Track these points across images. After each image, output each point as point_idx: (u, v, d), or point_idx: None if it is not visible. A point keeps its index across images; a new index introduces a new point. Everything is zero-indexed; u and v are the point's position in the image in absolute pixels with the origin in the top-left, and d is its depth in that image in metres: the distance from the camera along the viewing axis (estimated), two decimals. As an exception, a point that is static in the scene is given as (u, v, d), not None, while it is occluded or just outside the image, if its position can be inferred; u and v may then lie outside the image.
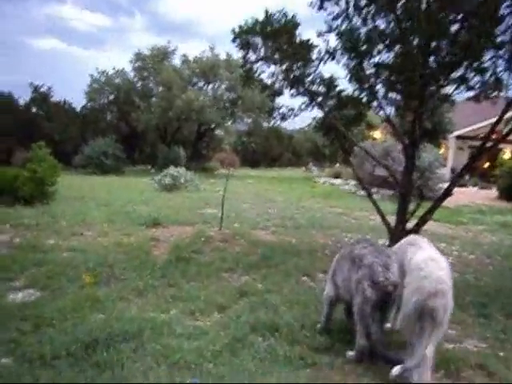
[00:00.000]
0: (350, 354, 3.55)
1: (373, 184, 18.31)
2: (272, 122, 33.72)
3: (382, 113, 7.90)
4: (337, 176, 24.53)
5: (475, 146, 27.63)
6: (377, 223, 10.93)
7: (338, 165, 27.85)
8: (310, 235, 8.94)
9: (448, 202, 16.23)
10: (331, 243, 8.34)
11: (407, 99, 7.23)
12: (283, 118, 8.04)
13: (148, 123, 28.42)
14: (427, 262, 3.39)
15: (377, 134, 30.14)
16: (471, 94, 7.51)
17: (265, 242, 7.76)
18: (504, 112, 6.96)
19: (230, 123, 32.31)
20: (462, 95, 7.79)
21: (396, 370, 3.07)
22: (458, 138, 26.54)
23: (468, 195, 17.82)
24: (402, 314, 3.33)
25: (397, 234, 7.55)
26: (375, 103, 7.61)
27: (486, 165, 26.78)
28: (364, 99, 7.43)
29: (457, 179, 7.74)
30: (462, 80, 7.21)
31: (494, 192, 18.65)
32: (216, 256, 6.62)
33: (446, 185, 15.89)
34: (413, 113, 7.38)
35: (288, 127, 42.89)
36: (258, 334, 3.86)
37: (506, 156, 27.48)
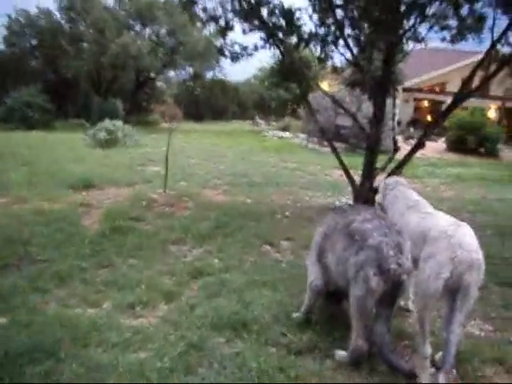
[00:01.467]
0: (341, 354, 2.74)
1: (325, 137, 17.68)
2: (217, 70, 31.90)
3: (348, 55, 6.95)
4: (285, 129, 23.64)
5: (421, 98, 27.88)
6: (335, 179, 10.28)
7: (286, 118, 26.88)
8: (267, 194, 8.04)
9: (399, 156, 16.13)
10: (290, 203, 7.51)
11: (379, 34, 6.26)
12: (235, 58, 6.83)
13: (79, 70, 25.52)
14: (455, 228, 2.63)
15: (324, 86, 29.46)
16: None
17: (217, 204, 6.76)
18: (478, 66, 6.26)
19: (171, 73, 30.04)
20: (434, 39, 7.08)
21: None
22: (404, 90, 26.42)
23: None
24: (422, 293, 2.56)
25: (363, 191, 6.85)
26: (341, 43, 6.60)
27: (429, 118, 27.13)
28: (330, 37, 6.39)
29: (431, 130, 7.05)
30: (439, 17, 6.38)
31: (440, 144, 18.68)
32: (161, 224, 5.55)
33: (397, 138, 15.58)
34: (386, 54, 6.49)
35: (232, 79, 41.00)
36: (219, 335, 2.94)
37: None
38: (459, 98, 6.26)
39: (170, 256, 4.57)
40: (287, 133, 22.58)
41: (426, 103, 27.69)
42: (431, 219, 2.93)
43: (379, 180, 6.85)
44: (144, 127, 22.76)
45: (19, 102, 21.28)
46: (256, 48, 6.60)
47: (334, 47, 6.52)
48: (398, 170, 6.69)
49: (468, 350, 2.88)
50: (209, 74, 36.60)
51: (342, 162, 7.32)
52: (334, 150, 7.47)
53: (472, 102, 24.83)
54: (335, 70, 8.20)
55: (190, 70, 29.95)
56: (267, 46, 6.40)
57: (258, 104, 42.41)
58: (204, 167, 10.55)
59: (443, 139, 21.66)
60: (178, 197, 6.82)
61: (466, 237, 2.58)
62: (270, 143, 18.62)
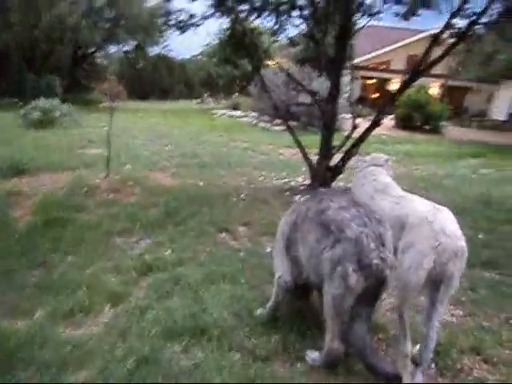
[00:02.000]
0: (313, 356, 2.47)
1: (276, 115, 17.37)
2: (163, 47, 30.44)
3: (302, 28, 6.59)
4: (235, 108, 23.08)
5: (367, 76, 28.20)
6: (289, 158, 10.03)
7: (235, 95, 26.22)
8: (219, 175, 7.63)
9: (344, 132, 16.18)
10: (244, 184, 7.15)
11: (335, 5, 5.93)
12: (181, 28, 6.25)
13: (8, 44, 23.34)
14: (435, 213, 2.38)
15: (272, 63, 28.99)
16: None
17: (166, 188, 6.27)
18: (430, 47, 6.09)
19: (112, 48, 28.32)
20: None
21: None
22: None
23: (366, 125, 17.87)
24: (402, 287, 2.31)
25: (320, 171, 6.63)
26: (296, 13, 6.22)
27: (376, 95, 27.63)
28: (284, 7, 5.97)
29: (384, 109, 6.89)
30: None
31: (389, 121, 18.96)
32: (104, 213, 5.00)
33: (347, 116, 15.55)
34: (340, 28, 6.20)
35: (179, 56, 39.52)
36: (175, 344, 2.56)
37: (394, 86, 28.46)
38: (414, 75, 6.10)
39: (115, 250, 4.08)
40: (237, 111, 22.05)
41: (372, 81, 28.10)
42: (407, 204, 2.66)
43: (336, 159, 6.70)
44: (84, 106, 21.34)
45: None
46: (205, 17, 6.06)
47: (288, 18, 6.12)
48: (354, 149, 6.52)
49: (445, 340, 2.70)
50: (153, 51, 35.01)
51: (297, 141, 7.05)
52: (289, 128, 7.16)
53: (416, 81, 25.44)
54: (291, 42, 7.80)
55: (133, 44, 28.28)
56: (217, 14, 5.88)
57: (205, 82, 41.28)
58: (150, 148, 9.91)
59: (391, 116, 22.12)
60: (122, 181, 6.25)
61: (448, 222, 2.34)
62: (220, 122, 18.08)
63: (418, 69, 5.99)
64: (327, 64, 6.79)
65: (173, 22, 6.27)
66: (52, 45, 24.08)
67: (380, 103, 25.13)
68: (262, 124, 17.55)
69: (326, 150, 6.65)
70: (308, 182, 7.11)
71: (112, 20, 24.66)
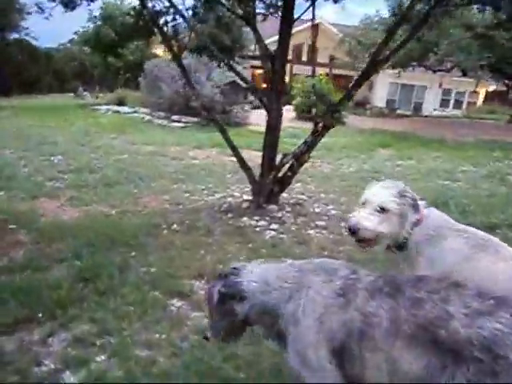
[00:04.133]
0: None
1: (172, 110, 15.61)
2: (23, 33, 26.04)
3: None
4: (120, 103, 20.54)
5: (256, 66, 27.72)
6: (206, 163, 8.62)
7: (119, 89, 23.43)
8: (133, 197, 5.95)
9: (251, 126, 15.20)
10: (170, 207, 5.63)
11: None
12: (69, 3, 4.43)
13: None
14: None
15: (159, 51, 26.65)
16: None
17: (67, 227, 4.47)
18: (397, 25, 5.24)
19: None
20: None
21: None
22: (241, 57, 25.76)
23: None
24: None
25: (265, 184, 5.42)
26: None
27: (264, 85, 27.20)
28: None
29: (336, 107, 5.90)
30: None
31: (289, 112, 18.50)
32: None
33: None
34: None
35: (42, 45, 34.56)
36: None
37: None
38: (371, 66, 5.19)
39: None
40: (124, 107, 19.63)
41: (260, 71, 27.63)
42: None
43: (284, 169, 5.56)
44: None
45: None
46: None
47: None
48: (305, 155, 5.43)
49: None
50: (12, 37, 29.95)
51: (232, 146, 5.74)
52: (216, 123, 5.76)
53: (301, 70, 25.72)
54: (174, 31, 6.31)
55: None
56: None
57: (78, 73, 36.98)
58: (29, 162, 7.67)
59: (290, 107, 21.80)
60: (-2, 225, 4.28)
61: None
62: (107, 120, 15.69)
63: (377, 60, 5.07)
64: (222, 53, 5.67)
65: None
66: None
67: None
68: (157, 120, 15.67)
69: (271, 159, 5.45)
70: (248, 197, 5.85)
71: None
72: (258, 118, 14.96)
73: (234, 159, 9.42)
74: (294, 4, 5.19)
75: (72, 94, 30.99)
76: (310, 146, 5.38)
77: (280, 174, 5.45)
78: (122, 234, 4.34)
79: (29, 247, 3.92)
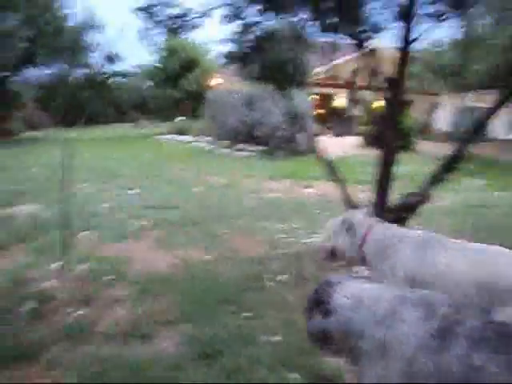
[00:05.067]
0: None
1: (236, 139, 15.33)
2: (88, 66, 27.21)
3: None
4: (182, 132, 20.64)
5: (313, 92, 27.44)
6: (288, 196, 8.03)
7: (180, 119, 23.66)
8: (221, 238, 5.42)
9: (325, 155, 14.44)
10: (265, 251, 5.01)
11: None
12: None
13: None
14: None
15: (216, 80, 26.94)
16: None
17: (165, 279, 3.96)
18: None
19: (30, 71, 24.66)
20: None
21: None
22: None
23: (332, 144, 16.44)
24: None
25: (391, 213, 4.68)
26: None
27: (321, 111, 26.65)
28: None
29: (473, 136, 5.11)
30: None
31: (352, 139, 17.76)
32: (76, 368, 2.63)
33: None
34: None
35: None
36: None
37: (338, 103, 27.85)
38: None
39: None
40: (185, 136, 19.71)
41: (316, 97, 27.24)
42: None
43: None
44: (0, 138, 17.96)
45: None
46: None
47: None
48: (428, 193, 4.67)
49: None
50: (77, 73, 31.50)
51: (336, 176, 5.07)
52: (328, 162, 5.13)
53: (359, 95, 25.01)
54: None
55: (60, 66, 24.82)
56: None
57: (137, 104, 38.30)
58: (107, 196, 7.43)
59: (352, 133, 21.06)
60: (92, 276, 3.82)
61: None
62: (171, 150, 15.66)
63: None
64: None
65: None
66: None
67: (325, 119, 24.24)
68: (220, 150, 15.41)
69: (382, 198, 4.74)
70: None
71: (29, 39, 21.29)
72: (322, 146, 14.36)
73: (314, 191, 8.95)
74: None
75: (131, 124, 31.98)
76: (434, 181, 4.63)
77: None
78: (224, 289, 3.78)
79: (130, 304, 3.41)
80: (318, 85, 25.45)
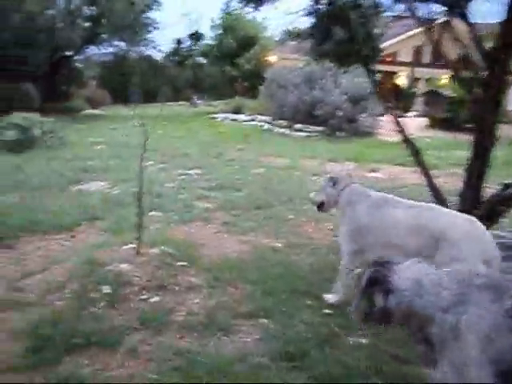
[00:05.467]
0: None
1: (294, 118, 14.91)
2: (145, 44, 27.42)
3: None
4: (237, 111, 20.46)
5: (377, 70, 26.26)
6: (364, 182, 7.61)
7: (237, 97, 23.43)
8: (290, 224, 5.20)
9: (389, 137, 13.66)
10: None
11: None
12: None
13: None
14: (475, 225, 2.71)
15: (272, 58, 26.41)
16: None
17: (237, 266, 3.79)
18: None
19: (92, 50, 25.35)
20: None
21: None
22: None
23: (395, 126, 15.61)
24: None
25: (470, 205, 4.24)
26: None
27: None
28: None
29: None
30: None
31: (416, 119, 16.75)
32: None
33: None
34: None
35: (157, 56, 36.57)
36: None
37: (401, 80, 26.52)
38: None
39: None
40: (241, 115, 19.51)
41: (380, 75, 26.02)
42: (433, 214, 2.82)
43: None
44: (65, 116, 18.59)
45: None
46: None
47: None
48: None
49: None
50: (136, 50, 32.02)
51: (422, 164, 4.63)
52: (415, 149, 4.67)
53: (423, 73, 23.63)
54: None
55: (120, 43, 25.23)
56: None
57: (192, 83, 38.52)
58: (170, 176, 7.41)
59: (413, 113, 19.96)
60: (165, 262, 3.70)
61: (487, 235, 2.56)
62: (227, 129, 15.53)
63: None
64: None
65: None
66: (24, 49, 21.05)
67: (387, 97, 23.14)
68: (278, 129, 15.08)
69: (475, 190, 4.26)
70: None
71: (92, 18, 21.78)
72: (385, 127, 13.66)
73: (381, 175, 8.48)
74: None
75: (186, 103, 32.21)
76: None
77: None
78: (299, 279, 3.56)
79: (204, 293, 3.28)
80: (382, 62, 24.28)
